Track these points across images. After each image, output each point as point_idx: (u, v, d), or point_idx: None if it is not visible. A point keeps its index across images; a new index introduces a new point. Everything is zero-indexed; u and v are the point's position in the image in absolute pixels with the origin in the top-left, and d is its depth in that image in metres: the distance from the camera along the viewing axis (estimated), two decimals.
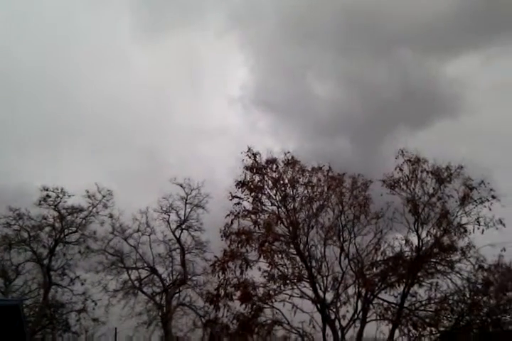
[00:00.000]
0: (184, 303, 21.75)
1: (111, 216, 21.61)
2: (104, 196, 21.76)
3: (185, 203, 21.93)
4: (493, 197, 17.64)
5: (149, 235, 21.88)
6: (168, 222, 22.04)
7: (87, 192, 21.75)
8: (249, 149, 18.80)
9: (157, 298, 21.79)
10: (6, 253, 21.59)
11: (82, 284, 21.95)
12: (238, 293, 17.97)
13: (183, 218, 22.05)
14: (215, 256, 18.42)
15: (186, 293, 21.82)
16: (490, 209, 17.66)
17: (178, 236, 22.04)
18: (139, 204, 21.81)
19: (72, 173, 26.54)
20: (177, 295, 21.92)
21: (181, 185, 21.71)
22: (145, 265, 21.90)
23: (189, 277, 21.71)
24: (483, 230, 17.73)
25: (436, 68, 32.81)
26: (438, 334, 18.71)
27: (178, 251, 21.99)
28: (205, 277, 20.82)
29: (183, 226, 22.03)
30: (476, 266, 18.38)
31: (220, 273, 18.07)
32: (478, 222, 17.79)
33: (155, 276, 21.92)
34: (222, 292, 18.29)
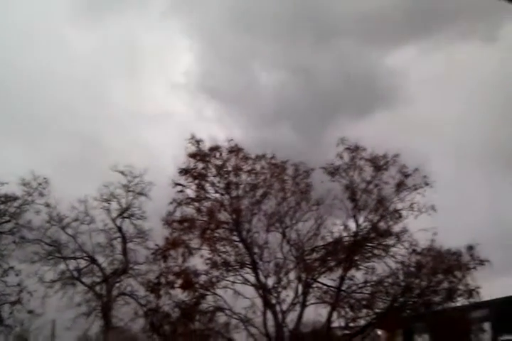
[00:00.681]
0: (125, 293, 21.36)
1: (47, 205, 20.68)
2: (39, 184, 20.75)
3: (127, 191, 21.38)
4: (427, 184, 18.53)
5: (89, 224, 21.20)
6: (108, 210, 21.44)
7: (22, 180, 20.68)
8: (192, 136, 18.65)
9: (97, 288, 21.23)
10: None
11: (17, 275, 20.93)
12: (179, 281, 17.92)
13: (124, 206, 21.51)
14: (157, 245, 18.23)
15: (127, 283, 21.43)
16: (423, 196, 18.57)
17: (119, 225, 21.51)
18: (77, 193, 21.01)
19: (5, 160, 25.08)
20: (118, 284, 21.47)
21: (123, 173, 21.11)
22: (84, 254, 21.25)
23: (131, 266, 21.30)
24: (416, 215, 18.66)
25: (376, 59, 33.88)
26: (373, 316, 19.56)
27: (119, 240, 21.47)
28: (148, 266, 20.48)
29: (125, 215, 21.49)
30: (410, 250, 19.30)
31: (162, 261, 17.92)
32: (412, 207, 18.67)
33: (94, 266, 21.33)
34: (163, 280, 18.17)
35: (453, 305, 20.86)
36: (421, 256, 19.52)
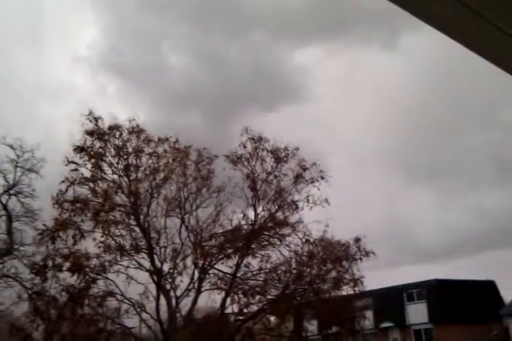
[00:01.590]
0: (8, 275, 19.91)
1: None
2: None
3: (16, 166, 19.81)
4: (322, 178, 19.42)
5: None
6: None
7: None
8: (90, 112, 17.76)
9: None
10: None
11: None
12: (68, 264, 17.15)
13: (11, 182, 19.95)
14: (44, 225, 17.17)
15: (11, 264, 19.98)
16: (319, 189, 19.45)
17: (4, 202, 19.92)
18: None
19: None
20: (0, 266, 19.97)
21: (11, 146, 19.48)
22: None
23: (16, 247, 19.87)
24: (311, 207, 19.50)
25: (286, 55, 34.60)
26: (265, 302, 20.21)
27: (4, 218, 19.90)
28: (35, 247, 19.27)
29: (11, 192, 19.94)
30: (303, 240, 20.17)
31: (50, 242, 16.99)
32: (308, 199, 19.49)
33: None
34: (50, 263, 17.26)
35: (340, 293, 22.29)
36: (313, 246, 20.50)
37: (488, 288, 37.40)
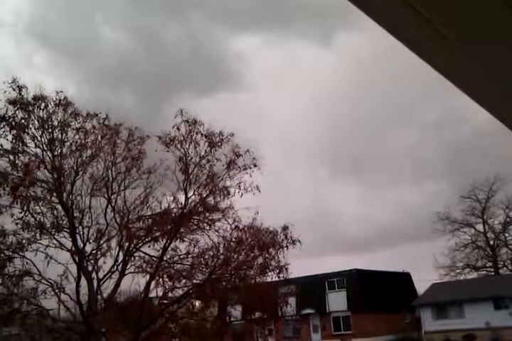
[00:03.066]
0: None
1: None
2: None
3: None
4: (255, 165, 19.57)
5: None
6: None
7: None
8: (14, 80, 16.61)
9: None
10: None
11: None
12: None
13: None
14: None
15: None
16: (251, 176, 19.59)
17: None
18: None
19: None
20: None
21: None
22: None
23: None
24: (242, 194, 19.62)
25: (224, 40, 34.48)
26: (191, 286, 20.18)
27: None
28: None
29: None
30: (233, 226, 20.30)
31: None
32: (239, 186, 19.57)
33: None
34: None
35: (264, 279, 22.73)
36: (242, 232, 20.69)
37: (404, 279, 39.84)
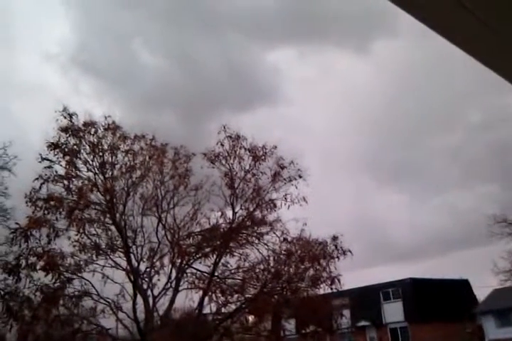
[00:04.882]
0: None
1: None
2: None
3: None
4: (300, 176, 19.52)
5: None
6: None
7: None
8: (64, 108, 17.45)
9: None
10: None
11: None
12: (42, 263, 16.82)
13: None
14: (17, 223, 16.80)
15: None
16: (296, 188, 19.54)
17: None
18: None
19: None
20: None
21: None
22: None
23: None
24: (289, 206, 19.57)
25: (259, 55, 34.91)
26: (243, 301, 20.17)
27: None
28: (7, 247, 18.86)
29: None
30: (281, 239, 20.23)
31: (23, 241, 16.63)
32: (285, 198, 19.54)
33: None
34: (23, 262, 16.90)
35: (317, 292, 22.42)
36: (291, 245, 20.57)
37: (462, 286, 38.20)
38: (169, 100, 29.81)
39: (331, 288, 22.00)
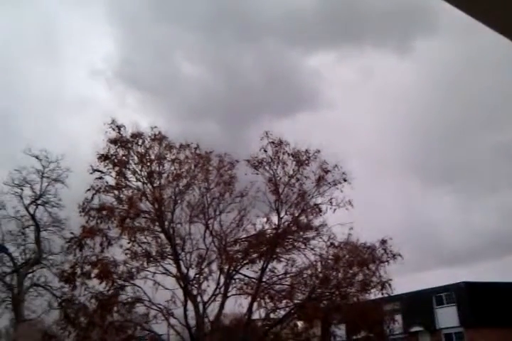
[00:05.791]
0: (38, 284, 20.36)
1: None
2: None
3: (42, 177, 20.28)
4: (345, 180, 19.27)
5: None
6: (21, 196, 20.24)
7: None
8: (113, 121, 18.05)
9: (7, 279, 20.05)
10: None
11: None
12: (96, 271, 17.37)
13: (38, 193, 20.41)
14: (72, 233, 17.48)
15: (41, 273, 20.43)
16: (341, 191, 19.29)
17: (32, 213, 20.36)
18: None
19: None
20: (30, 275, 20.40)
21: (37, 157, 19.97)
22: None
23: (44, 256, 20.30)
24: (334, 210, 19.33)
25: (299, 60, 34.82)
26: (292, 306, 20.04)
27: (32, 228, 20.33)
28: (63, 256, 19.67)
29: (39, 202, 20.40)
30: (328, 243, 19.97)
31: (78, 250, 17.26)
32: (331, 202, 19.31)
33: (4, 255, 20.10)
34: (78, 270, 17.52)
35: (367, 297, 21.95)
36: (338, 249, 20.27)
37: None
38: (211, 109, 30.30)
39: (382, 293, 21.55)
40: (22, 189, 20.21)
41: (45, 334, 19.20)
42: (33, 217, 20.30)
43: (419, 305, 34.15)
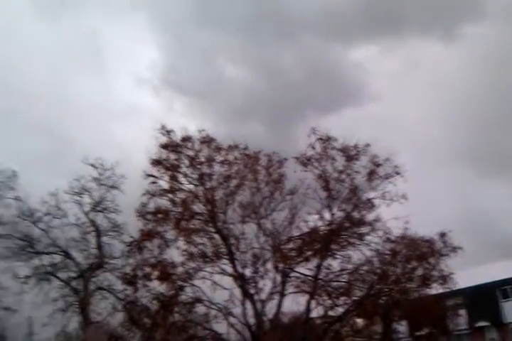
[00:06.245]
0: (102, 287, 21.16)
1: (17, 198, 20.15)
2: (8, 177, 20.26)
3: (99, 184, 21.12)
4: (397, 173, 18.81)
5: (61, 218, 20.82)
6: (80, 204, 21.13)
7: None
8: (162, 126, 18.47)
9: (73, 283, 20.97)
10: None
11: None
12: (156, 273, 17.89)
13: (97, 200, 21.25)
14: (131, 236, 18.11)
15: (104, 277, 21.21)
16: (394, 185, 18.85)
17: (92, 219, 21.23)
18: (46, 187, 20.57)
19: None
20: (94, 279, 21.23)
21: (93, 165, 20.79)
22: (58, 249, 20.88)
23: (106, 260, 21.09)
24: (388, 204, 18.93)
25: (339, 55, 34.22)
26: (351, 304, 19.78)
27: (93, 234, 21.20)
28: (124, 260, 20.34)
29: (98, 209, 21.22)
30: (384, 238, 19.57)
31: (137, 253, 17.86)
32: (384, 196, 18.92)
33: (69, 261, 21.05)
34: (139, 273, 18.12)
35: (428, 292, 21.33)
36: (395, 244, 19.83)
37: None
38: (256, 109, 30.47)
39: (443, 288, 20.88)
40: (81, 197, 21.10)
41: (112, 336, 19.96)
42: (93, 223, 21.18)
43: (483, 299, 32.75)
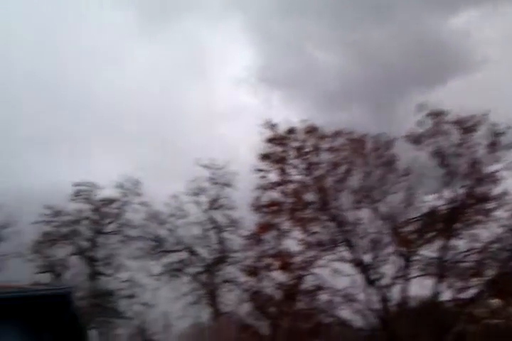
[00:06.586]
0: (228, 280, 22.23)
1: (143, 203, 21.94)
2: (134, 185, 22.08)
3: (213, 183, 22.14)
4: None
5: (183, 218, 22.22)
6: (199, 203, 22.35)
7: (117, 183, 22.13)
8: (267, 121, 18.65)
9: (200, 278, 22.31)
10: (50, 249, 22.34)
11: (127, 271, 22.59)
12: (277, 263, 18.27)
13: (213, 198, 22.31)
14: (250, 230, 18.69)
15: (228, 270, 22.29)
16: None
17: (211, 216, 22.35)
18: (167, 190, 22.07)
19: (99, 168, 27.04)
20: (219, 272, 22.39)
21: (207, 166, 21.83)
22: (183, 247, 22.35)
23: (228, 254, 22.11)
24: None
25: (438, 25, 31.62)
26: (483, 283, 18.55)
27: (213, 230, 22.33)
28: (244, 253, 21.14)
29: (215, 206, 22.29)
30: None
31: (256, 245, 18.36)
32: (510, 167, 17.38)
33: (194, 257, 22.40)
34: (260, 264, 18.63)
35: None
36: None
37: None
38: (353, 92, 29.45)
39: None
40: (198, 197, 22.35)
41: (242, 325, 20.86)
42: (212, 220, 22.30)
43: None
